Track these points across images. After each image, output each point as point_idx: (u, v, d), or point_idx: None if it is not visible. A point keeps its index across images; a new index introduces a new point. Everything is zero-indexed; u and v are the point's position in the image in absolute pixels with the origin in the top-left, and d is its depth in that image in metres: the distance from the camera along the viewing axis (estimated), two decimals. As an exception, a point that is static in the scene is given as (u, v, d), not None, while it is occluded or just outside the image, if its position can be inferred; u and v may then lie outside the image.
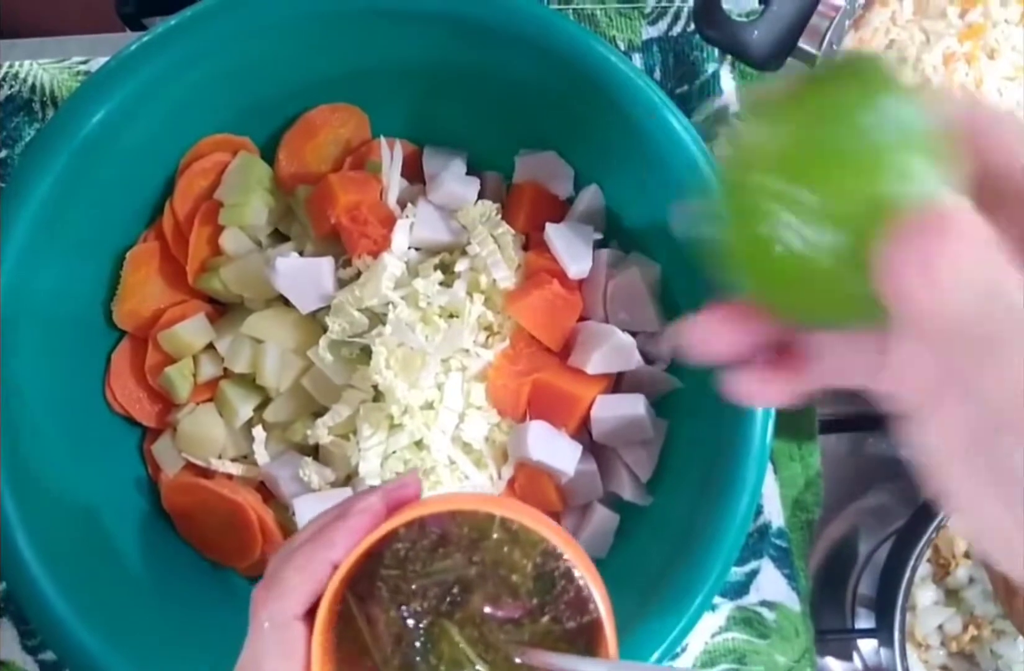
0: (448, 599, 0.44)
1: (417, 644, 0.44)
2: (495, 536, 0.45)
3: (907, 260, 0.29)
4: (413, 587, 0.44)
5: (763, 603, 0.76)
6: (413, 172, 0.75)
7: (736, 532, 0.61)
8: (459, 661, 0.44)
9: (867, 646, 0.77)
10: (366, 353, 0.68)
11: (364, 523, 0.44)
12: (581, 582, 0.44)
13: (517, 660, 0.44)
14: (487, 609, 0.45)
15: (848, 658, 0.79)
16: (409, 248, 0.71)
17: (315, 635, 0.42)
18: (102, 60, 0.77)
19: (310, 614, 0.43)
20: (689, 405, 0.69)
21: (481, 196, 0.73)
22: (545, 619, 0.45)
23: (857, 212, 0.31)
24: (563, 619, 0.45)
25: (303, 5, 0.65)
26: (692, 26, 0.79)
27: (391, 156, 0.72)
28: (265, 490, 0.71)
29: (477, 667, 0.44)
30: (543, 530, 0.44)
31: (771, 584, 0.76)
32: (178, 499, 0.70)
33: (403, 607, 0.44)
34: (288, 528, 0.69)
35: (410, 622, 0.44)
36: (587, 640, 0.44)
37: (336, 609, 0.44)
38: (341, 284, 0.70)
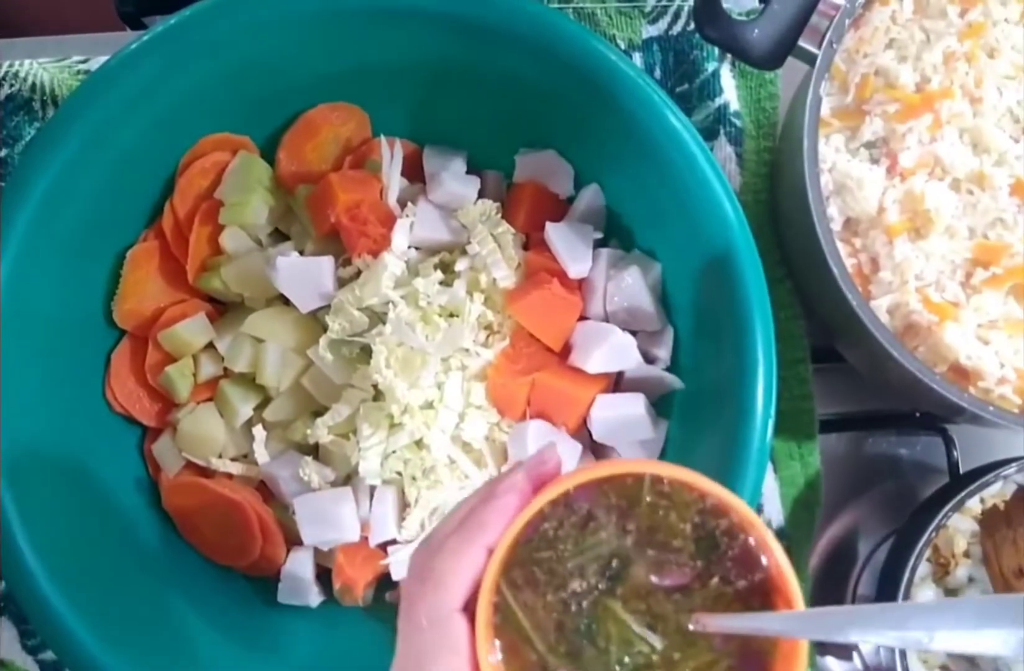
0: (607, 575, 0.42)
1: (581, 627, 0.41)
2: (647, 500, 0.42)
3: None
4: (568, 567, 0.41)
5: (763, 602, 0.76)
6: (413, 171, 0.75)
7: (736, 531, 0.61)
8: (629, 639, 0.41)
9: (867, 646, 0.77)
10: (366, 352, 0.68)
11: (513, 502, 0.41)
12: (747, 537, 0.41)
13: (692, 628, 0.41)
14: (651, 579, 0.42)
15: (848, 658, 0.79)
16: (409, 247, 0.71)
17: (478, 627, 0.40)
18: (102, 59, 0.77)
19: (467, 607, 0.41)
20: (689, 405, 0.69)
21: (481, 195, 0.73)
22: (715, 581, 0.42)
23: None
24: (733, 579, 0.42)
25: (303, 4, 0.65)
26: (692, 25, 0.79)
27: (391, 155, 0.72)
28: (265, 489, 0.71)
29: (651, 642, 0.41)
30: (700, 482, 0.41)
31: (771, 583, 0.76)
32: (178, 498, 0.70)
33: (560, 590, 0.41)
34: (288, 527, 0.69)
35: (570, 604, 0.41)
36: (762, 598, 0.42)
37: (493, 600, 0.41)
38: (341, 283, 0.70)
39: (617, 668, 0.41)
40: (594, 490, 0.42)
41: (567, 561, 0.42)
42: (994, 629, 0.35)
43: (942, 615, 0.36)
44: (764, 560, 0.41)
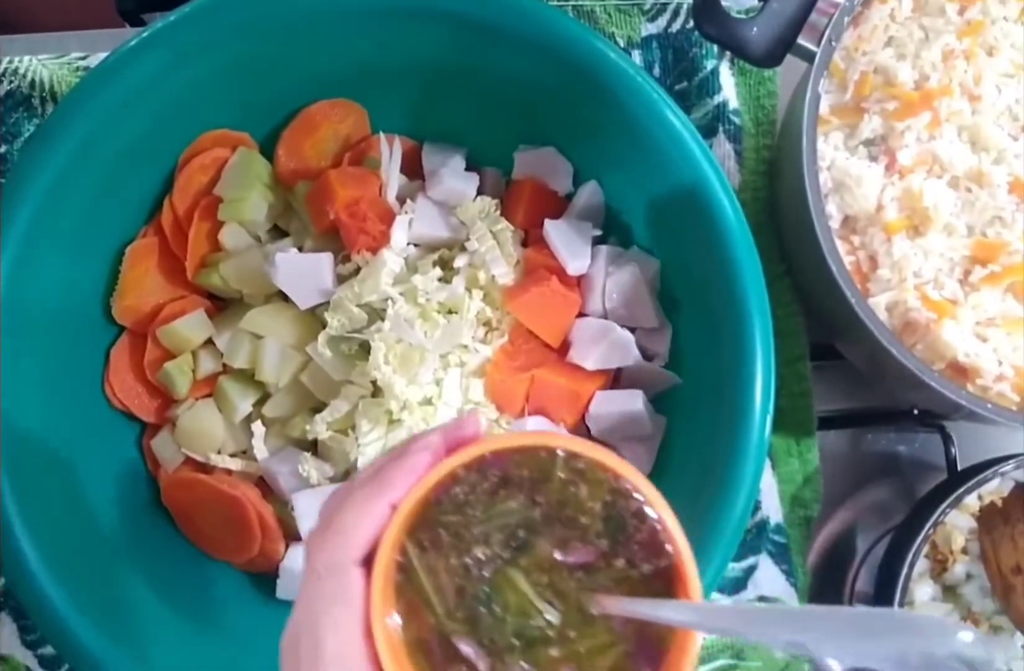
0: (513, 545, 0.41)
1: (481, 594, 0.41)
2: (560, 475, 0.42)
3: None
4: (475, 533, 0.41)
5: (761, 598, 0.76)
6: (412, 168, 0.75)
7: (734, 528, 0.61)
8: (527, 611, 0.41)
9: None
10: (365, 349, 0.68)
11: (423, 461, 0.41)
12: (655, 522, 0.41)
13: (592, 611, 0.41)
14: (556, 554, 0.41)
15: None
16: (408, 244, 0.71)
17: (374, 581, 0.40)
18: (101, 56, 0.77)
19: (367, 561, 0.40)
20: (687, 401, 0.69)
21: (480, 192, 0.73)
22: (619, 563, 0.41)
23: None
24: (638, 562, 0.41)
25: (302, 1, 0.65)
26: (691, 23, 0.79)
27: (390, 152, 0.72)
28: (264, 485, 0.71)
29: (547, 617, 0.41)
30: (614, 463, 0.41)
31: (769, 580, 0.76)
32: (177, 494, 0.71)
33: (465, 555, 0.41)
34: (287, 523, 0.69)
35: (473, 570, 0.41)
36: (665, 585, 0.41)
37: (396, 559, 0.41)
38: (340, 280, 0.70)
39: (513, 639, 0.41)
40: (509, 460, 0.42)
41: (474, 527, 0.41)
42: (875, 642, 0.35)
43: (828, 623, 0.36)
44: (669, 547, 0.41)
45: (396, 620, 0.41)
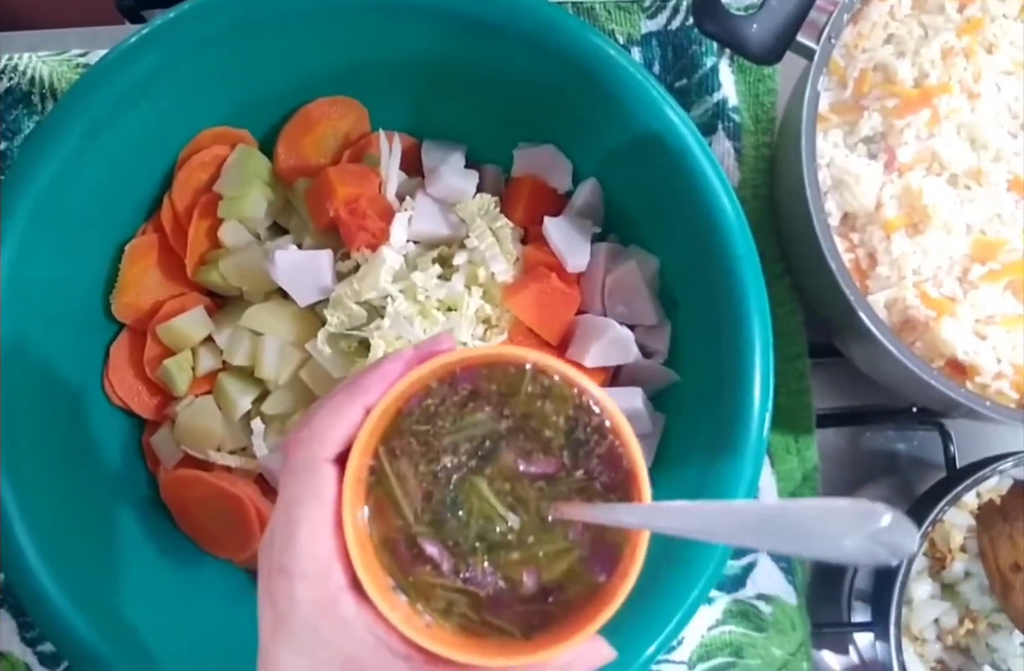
0: (479, 454, 0.44)
1: (447, 500, 0.44)
2: (527, 390, 0.44)
3: None
4: (443, 443, 0.44)
5: (760, 596, 0.76)
6: (412, 165, 0.75)
7: (733, 525, 0.61)
8: (489, 516, 0.44)
9: (863, 640, 0.77)
10: (364, 346, 0.68)
11: (396, 369, 0.43)
12: (613, 436, 0.44)
13: (551, 518, 0.44)
14: (520, 465, 0.44)
15: (844, 652, 0.79)
16: (408, 241, 0.71)
17: (347, 478, 0.42)
18: (101, 52, 0.77)
19: (341, 461, 0.43)
20: (686, 399, 0.69)
21: (480, 189, 0.73)
22: (579, 474, 0.44)
23: None
24: (596, 474, 0.44)
25: (302, -2, 0.65)
26: (691, 20, 0.79)
27: (390, 149, 0.72)
28: (263, 482, 0.71)
29: (508, 523, 0.44)
30: (580, 379, 0.44)
31: (768, 577, 0.76)
32: (176, 491, 0.71)
33: (433, 463, 0.44)
34: (286, 520, 0.69)
35: (440, 477, 0.44)
36: (620, 496, 0.44)
37: (368, 463, 0.43)
38: (340, 277, 0.70)
39: (476, 542, 0.44)
40: (479, 374, 0.44)
41: (443, 437, 0.44)
42: (806, 532, 0.37)
43: (764, 516, 0.39)
44: (625, 462, 0.44)
45: (365, 519, 0.43)
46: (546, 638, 0.43)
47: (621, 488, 0.44)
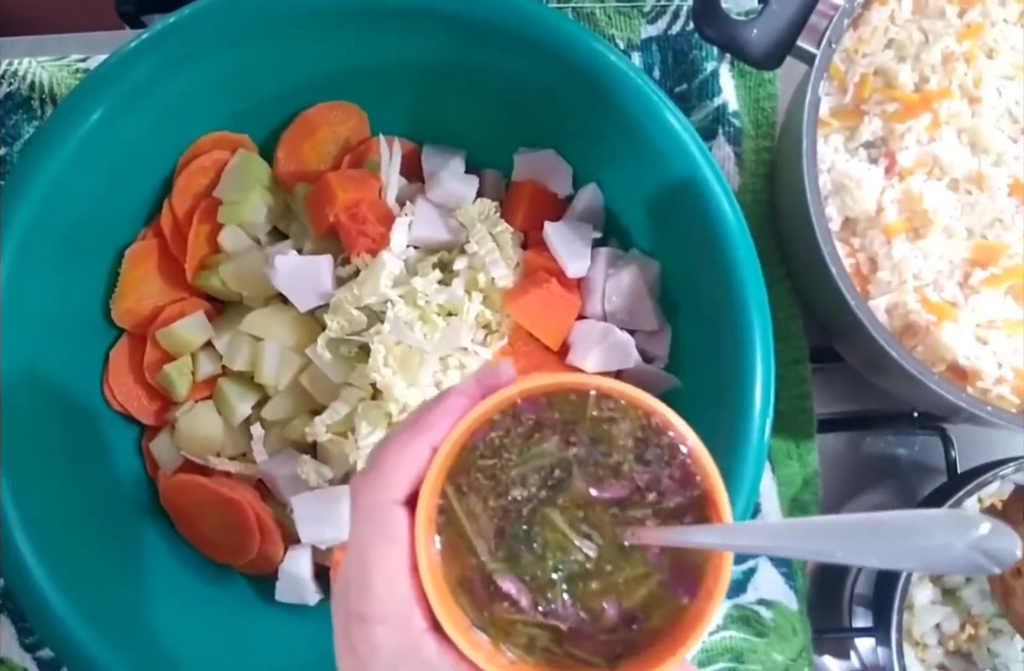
0: (548, 484, 0.43)
1: (520, 534, 0.43)
2: (592, 414, 0.43)
3: None
4: (511, 475, 0.43)
5: (761, 602, 0.76)
6: (412, 170, 0.75)
7: (734, 530, 0.61)
8: (565, 547, 0.43)
9: (864, 645, 0.77)
10: (364, 351, 0.68)
11: (460, 404, 0.42)
12: (685, 454, 0.43)
13: (626, 542, 0.43)
14: (591, 491, 0.43)
15: (845, 657, 0.79)
16: (408, 246, 0.71)
17: (418, 519, 0.41)
18: (101, 58, 0.77)
19: (410, 502, 0.42)
20: (687, 404, 0.68)
21: (480, 194, 0.73)
22: (652, 496, 0.43)
23: None
24: (670, 495, 0.43)
25: (302, 3, 0.65)
26: (691, 25, 0.79)
27: (390, 154, 0.72)
28: (263, 488, 0.71)
29: (584, 551, 0.43)
30: (646, 400, 0.42)
31: (769, 583, 0.76)
32: (176, 497, 0.71)
33: (502, 497, 0.43)
34: (286, 526, 0.69)
35: (511, 511, 0.43)
36: (696, 515, 0.43)
37: (436, 503, 0.42)
38: (340, 282, 0.70)
39: (553, 575, 0.43)
40: (541, 404, 0.43)
41: (511, 469, 0.43)
42: (898, 542, 0.36)
43: (851, 530, 0.37)
44: (699, 478, 0.43)
45: (438, 559, 0.42)
46: (634, 666, 0.42)
47: (696, 507, 0.43)
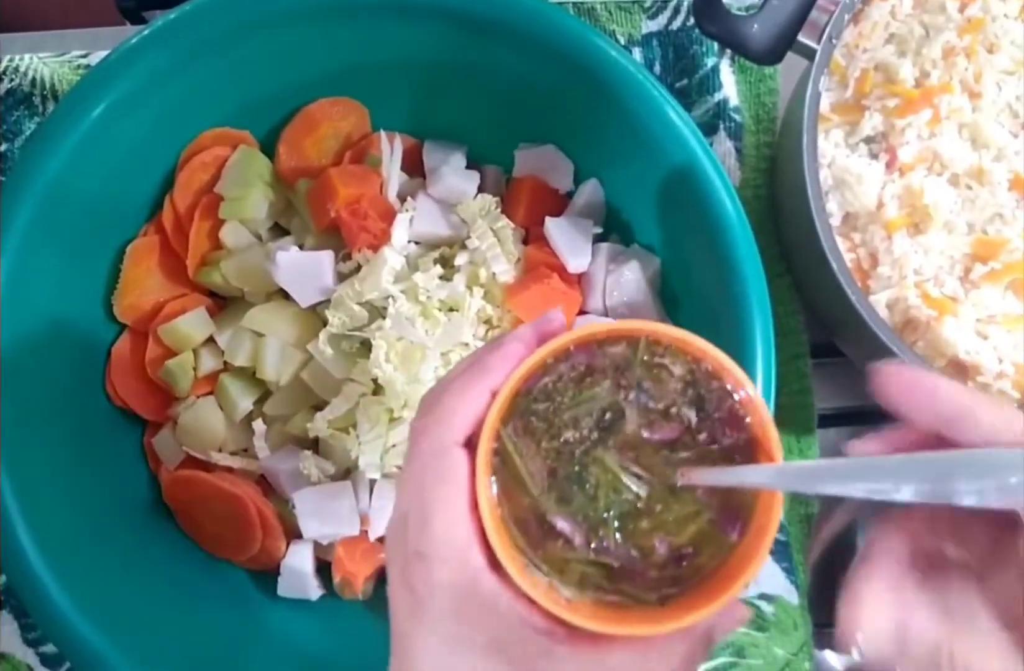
0: (600, 426, 0.44)
1: (573, 475, 0.44)
2: (643, 359, 0.44)
3: None
4: (564, 418, 0.44)
5: (762, 596, 0.76)
6: (413, 166, 0.75)
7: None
8: (616, 488, 0.44)
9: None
10: (366, 347, 0.68)
11: (518, 350, 0.43)
12: (735, 396, 0.44)
13: (678, 483, 0.43)
14: (642, 433, 0.44)
15: (847, 652, 0.79)
16: (409, 242, 0.71)
17: (479, 459, 0.42)
18: (102, 54, 0.77)
19: (468, 444, 0.43)
20: (688, 399, 0.69)
21: (481, 190, 0.73)
22: (702, 437, 0.44)
23: None
24: (720, 437, 0.44)
25: (303, -1, 0.65)
26: (692, 20, 0.79)
27: (391, 150, 0.72)
28: (265, 483, 0.72)
29: (635, 490, 0.43)
30: (698, 343, 0.43)
31: (770, 577, 0.76)
32: (178, 492, 0.71)
33: (555, 439, 0.44)
34: (288, 521, 0.70)
35: (564, 453, 0.44)
36: (745, 456, 0.44)
37: (492, 445, 0.43)
38: (341, 278, 0.70)
39: (604, 514, 0.43)
40: (593, 349, 0.44)
41: (563, 412, 0.44)
42: (953, 479, 0.36)
43: (905, 467, 0.38)
44: (749, 419, 0.44)
45: (495, 499, 0.43)
46: (685, 603, 0.43)
47: (745, 448, 0.44)
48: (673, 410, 0.44)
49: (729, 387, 0.44)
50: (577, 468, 0.44)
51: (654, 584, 0.44)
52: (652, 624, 0.41)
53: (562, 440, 0.44)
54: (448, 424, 0.42)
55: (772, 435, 0.43)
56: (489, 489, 0.42)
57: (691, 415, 0.44)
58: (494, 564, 0.41)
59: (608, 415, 0.44)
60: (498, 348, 0.43)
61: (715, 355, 0.43)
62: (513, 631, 0.41)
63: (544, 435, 0.44)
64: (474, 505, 0.42)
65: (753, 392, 0.43)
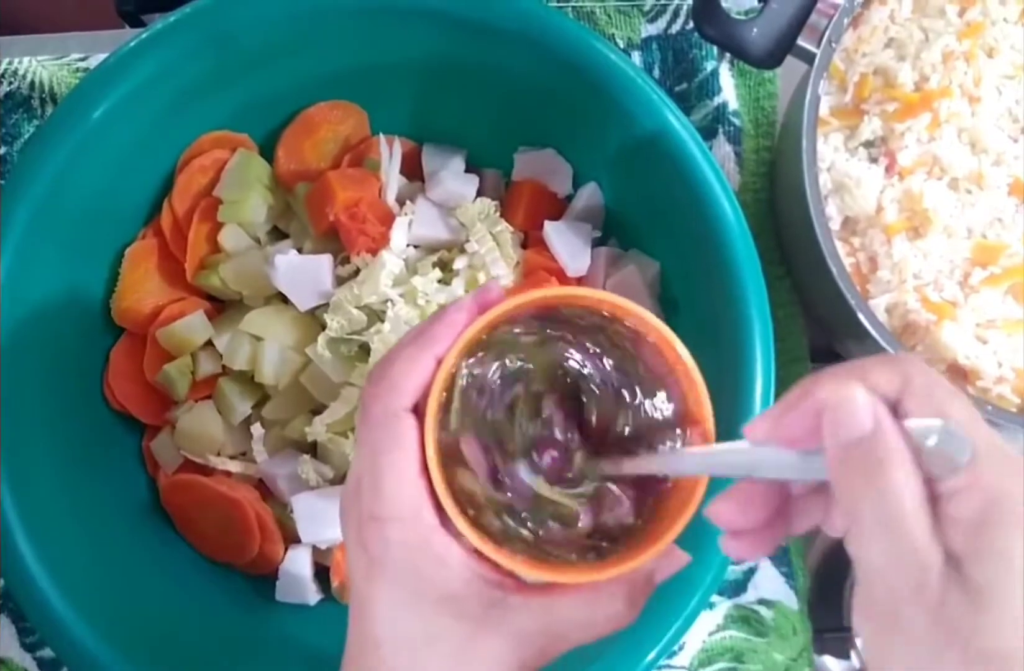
0: (537, 391, 0.47)
1: (508, 420, 0.46)
2: (579, 322, 0.46)
3: None
4: (507, 382, 0.46)
5: (761, 601, 0.76)
6: (412, 169, 0.75)
7: (734, 530, 0.61)
8: (553, 442, 0.47)
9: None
10: (364, 350, 0.68)
11: (461, 318, 0.45)
12: (676, 370, 0.46)
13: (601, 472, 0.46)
14: (582, 398, 0.47)
15: (846, 656, 0.79)
16: (408, 246, 0.71)
17: (426, 424, 0.43)
18: (101, 57, 0.77)
19: (416, 410, 0.44)
20: (687, 403, 0.69)
21: (480, 193, 0.73)
22: (638, 410, 0.46)
23: None
24: (653, 411, 0.46)
25: (301, 2, 0.65)
26: (691, 24, 0.79)
27: (390, 153, 0.72)
28: (263, 487, 0.71)
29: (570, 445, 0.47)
30: (631, 307, 0.45)
31: (769, 582, 0.76)
32: (176, 496, 0.71)
33: (499, 404, 0.46)
34: (286, 525, 0.69)
35: (503, 417, 0.46)
36: (679, 432, 0.46)
37: (439, 410, 0.44)
38: (340, 282, 0.70)
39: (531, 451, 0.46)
40: (532, 317, 0.46)
41: (507, 378, 0.47)
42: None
43: (769, 455, 0.40)
44: (686, 393, 0.47)
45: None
46: (624, 554, 0.44)
47: (680, 424, 0.46)
48: (613, 377, 0.47)
49: (669, 360, 0.46)
50: (515, 426, 0.46)
51: (591, 546, 0.46)
52: (594, 572, 0.43)
53: (503, 403, 0.46)
54: (397, 391, 0.44)
55: (707, 413, 0.45)
56: (437, 452, 0.44)
57: (628, 385, 0.47)
58: (445, 523, 0.43)
59: (547, 382, 0.47)
60: (441, 318, 0.45)
61: (649, 319, 0.45)
62: (465, 585, 0.43)
63: (487, 399, 0.46)
64: (424, 467, 0.43)
65: (691, 364, 0.46)
